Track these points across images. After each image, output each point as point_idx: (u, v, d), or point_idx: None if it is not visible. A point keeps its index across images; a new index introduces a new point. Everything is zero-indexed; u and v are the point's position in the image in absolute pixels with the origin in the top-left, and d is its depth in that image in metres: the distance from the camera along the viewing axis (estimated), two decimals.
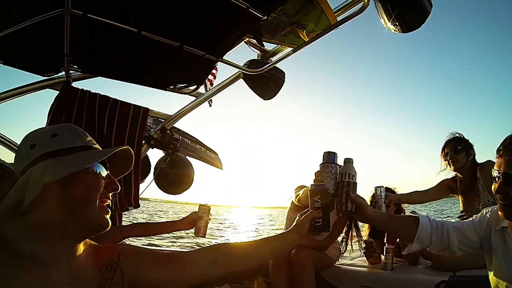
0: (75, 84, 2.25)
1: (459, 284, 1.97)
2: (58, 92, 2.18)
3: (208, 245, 1.15)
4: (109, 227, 0.90)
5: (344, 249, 2.76)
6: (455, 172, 2.79)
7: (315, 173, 1.34)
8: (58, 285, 0.80)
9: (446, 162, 2.77)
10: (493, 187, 1.35)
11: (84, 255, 0.89)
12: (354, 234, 2.78)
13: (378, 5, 1.76)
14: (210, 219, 2.04)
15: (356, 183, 1.35)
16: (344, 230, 2.75)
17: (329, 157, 1.35)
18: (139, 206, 2.33)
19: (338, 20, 2.00)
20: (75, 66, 2.16)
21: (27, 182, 0.79)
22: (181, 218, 2.07)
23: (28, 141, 0.86)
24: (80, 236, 0.88)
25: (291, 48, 2.32)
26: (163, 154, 2.66)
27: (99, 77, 2.34)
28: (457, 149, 2.72)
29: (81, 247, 0.88)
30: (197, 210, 2.07)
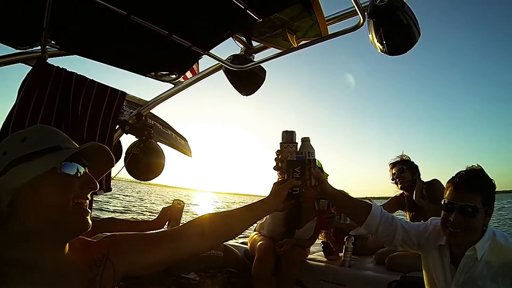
0: (50, 61, 2.17)
1: (409, 284, 2.24)
2: (31, 67, 2.10)
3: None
4: (88, 228, 0.91)
5: None
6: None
7: (276, 151, 1.46)
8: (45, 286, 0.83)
9: (394, 181, 3.14)
10: (443, 214, 1.59)
11: (72, 254, 0.92)
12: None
13: (371, 22, 1.87)
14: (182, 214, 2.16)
15: (316, 159, 1.49)
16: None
17: (288, 136, 1.44)
18: (110, 190, 2.36)
19: (329, 33, 2.09)
20: (52, 42, 2.10)
21: (1, 190, 0.83)
22: (155, 218, 2.17)
23: (1, 150, 0.88)
24: (61, 239, 0.90)
25: (276, 49, 2.38)
26: (136, 139, 2.69)
27: (75, 55, 2.26)
28: (403, 169, 3.09)
29: (67, 247, 0.91)
30: (170, 204, 2.16)
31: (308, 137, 1.49)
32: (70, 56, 2.29)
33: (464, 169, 1.63)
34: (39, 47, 2.11)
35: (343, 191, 1.78)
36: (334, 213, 2.52)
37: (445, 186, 1.68)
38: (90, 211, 0.93)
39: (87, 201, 0.92)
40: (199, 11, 1.87)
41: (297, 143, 1.45)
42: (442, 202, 1.63)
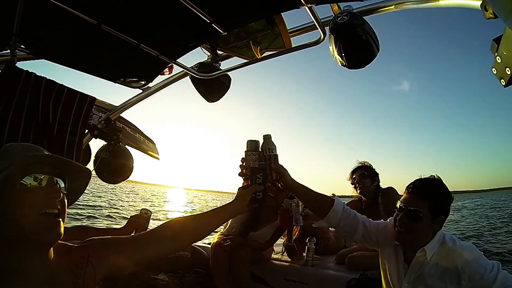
0: (19, 65, 2.23)
1: (367, 281, 2.42)
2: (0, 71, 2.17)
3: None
4: (58, 238, 0.95)
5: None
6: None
7: (241, 159, 1.59)
8: None
9: (353, 186, 3.24)
10: (395, 214, 1.76)
11: (55, 259, 0.99)
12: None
13: (332, 36, 2.00)
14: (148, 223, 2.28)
15: (277, 155, 1.62)
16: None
17: (251, 145, 1.59)
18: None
19: (293, 46, 2.23)
20: (22, 46, 2.16)
21: None
22: (122, 226, 2.27)
23: None
24: (38, 248, 0.94)
25: (242, 59, 2.49)
26: (105, 143, 2.78)
27: (44, 60, 2.33)
28: (364, 174, 3.19)
29: (50, 253, 0.98)
30: (138, 213, 2.28)
31: (269, 134, 1.64)
32: (40, 60, 2.35)
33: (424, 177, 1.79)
34: (8, 51, 2.17)
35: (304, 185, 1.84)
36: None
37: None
38: (59, 219, 0.95)
39: (56, 210, 0.94)
40: (167, 22, 1.98)
41: (260, 151, 1.60)
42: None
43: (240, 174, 1.60)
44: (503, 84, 1.23)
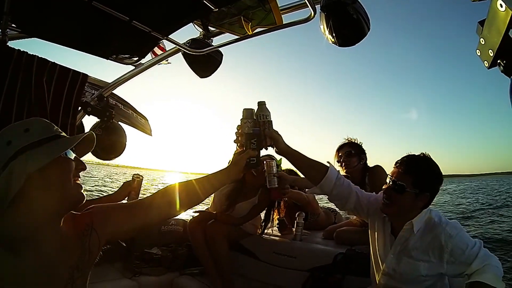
0: (10, 44, 2.28)
1: (353, 256, 2.54)
2: None
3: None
4: (84, 200, 1.11)
5: (263, 227, 3.18)
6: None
7: (236, 126, 1.67)
8: (49, 261, 1.01)
9: (339, 164, 3.11)
10: (384, 186, 1.85)
11: (65, 227, 1.09)
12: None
13: (322, 14, 2.04)
14: (141, 189, 2.39)
15: (271, 121, 1.69)
16: (264, 212, 3.21)
17: (247, 113, 1.66)
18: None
19: (284, 22, 2.28)
20: (13, 25, 2.21)
21: (11, 176, 0.94)
22: (115, 191, 2.38)
23: (3, 140, 1.00)
24: (64, 213, 1.08)
25: (234, 35, 2.55)
26: (98, 120, 2.88)
27: (36, 38, 2.40)
28: (350, 153, 3.05)
29: (62, 221, 1.08)
30: (129, 180, 2.39)
31: (264, 101, 1.71)
32: (31, 39, 2.41)
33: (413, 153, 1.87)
34: None
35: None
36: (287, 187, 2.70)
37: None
38: (82, 186, 1.12)
39: (79, 179, 1.12)
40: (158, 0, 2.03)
41: (254, 119, 1.66)
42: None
43: (235, 141, 1.68)
44: (486, 66, 1.29)
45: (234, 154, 1.59)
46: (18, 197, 0.95)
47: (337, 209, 3.13)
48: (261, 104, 1.71)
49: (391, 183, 1.79)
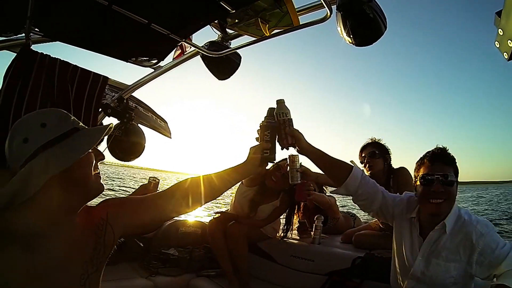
0: (33, 47, 2.33)
1: (372, 260, 2.47)
2: (15, 54, 2.26)
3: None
4: (103, 189, 1.10)
5: (285, 232, 3.13)
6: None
7: (259, 124, 1.63)
8: (63, 256, 0.98)
9: (363, 165, 2.96)
10: (422, 189, 1.70)
11: (80, 221, 1.07)
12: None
13: (339, 14, 2.00)
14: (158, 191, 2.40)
15: (291, 119, 1.64)
16: (284, 216, 3.19)
17: (269, 111, 1.63)
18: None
19: (300, 23, 2.26)
20: (36, 29, 2.25)
21: (29, 174, 0.91)
22: (131, 193, 2.39)
23: (19, 136, 0.96)
24: (81, 206, 1.07)
25: (251, 37, 2.54)
26: (117, 122, 2.89)
27: (58, 42, 2.42)
28: (374, 153, 2.88)
29: (77, 215, 1.06)
30: (146, 182, 2.40)
31: (283, 99, 1.67)
32: (53, 42, 2.45)
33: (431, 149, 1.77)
34: (23, 35, 2.27)
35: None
36: (311, 186, 2.73)
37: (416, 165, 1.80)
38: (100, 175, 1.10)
39: (98, 169, 1.10)
40: (177, 2, 2.03)
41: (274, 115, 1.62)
42: (418, 179, 1.73)
43: (256, 139, 1.63)
44: (506, 57, 1.24)
45: (250, 148, 1.54)
46: (36, 196, 0.93)
47: (357, 213, 3.05)
48: (280, 102, 1.66)
49: (440, 178, 1.65)
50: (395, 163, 2.95)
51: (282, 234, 3.12)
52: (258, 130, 1.63)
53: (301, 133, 1.68)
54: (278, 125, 1.63)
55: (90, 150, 1.05)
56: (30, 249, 0.93)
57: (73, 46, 2.45)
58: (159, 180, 2.44)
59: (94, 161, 1.07)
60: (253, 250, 3.00)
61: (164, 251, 2.97)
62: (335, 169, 1.83)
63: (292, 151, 1.75)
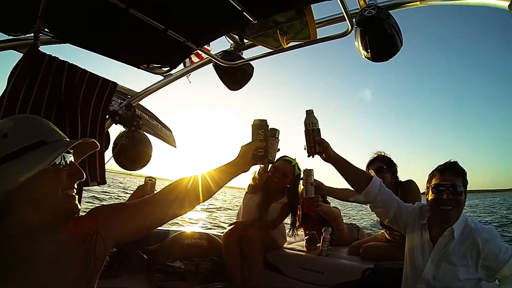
0: (41, 48, 2.15)
1: (382, 271, 2.40)
2: (22, 54, 2.08)
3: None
4: (77, 212, 0.96)
5: (291, 233, 3.19)
6: None
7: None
8: (50, 274, 0.88)
9: None
10: (434, 197, 1.77)
11: (66, 234, 0.95)
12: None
13: (358, 29, 1.99)
14: (155, 191, 2.24)
15: (319, 129, 1.72)
16: (288, 219, 3.19)
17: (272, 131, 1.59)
18: (105, 183, 2.35)
19: (318, 37, 2.20)
20: (46, 30, 2.08)
21: None
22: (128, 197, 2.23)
23: None
24: (55, 224, 0.92)
25: (265, 48, 2.44)
26: (124, 129, 2.72)
27: (67, 43, 2.24)
28: (382, 168, 2.80)
29: (62, 228, 0.94)
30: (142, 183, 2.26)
31: (312, 110, 1.72)
32: (62, 44, 2.27)
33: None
34: (31, 34, 2.08)
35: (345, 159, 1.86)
36: (319, 197, 2.70)
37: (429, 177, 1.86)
38: (76, 196, 0.96)
39: (74, 190, 0.95)
40: (198, 9, 1.93)
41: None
42: (430, 188, 1.81)
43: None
44: None
45: (242, 146, 1.47)
46: (3, 213, 0.84)
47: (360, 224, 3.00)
48: (310, 113, 1.73)
49: (450, 187, 1.73)
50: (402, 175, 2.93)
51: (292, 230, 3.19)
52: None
53: (328, 143, 1.76)
54: (307, 133, 1.73)
55: (61, 169, 0.92)
56: (12, 272, 0.82)
57: (83, 49, 2.27)
58: (155, 179, 2.28)
59: (68, 180, 0.93)
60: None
61: (170, 263, 2.78)
62: (357, 177, 1.91)
63: (313, 161, 1.82)
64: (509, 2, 1.30)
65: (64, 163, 0.93)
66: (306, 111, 1.73)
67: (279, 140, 1.60)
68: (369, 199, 1.89)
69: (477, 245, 1.69)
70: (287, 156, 3.06)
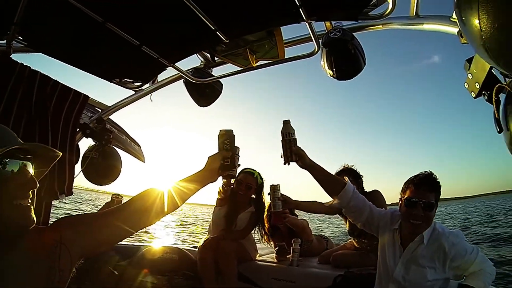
0: (13, 56, 2.11)
1: (353, 277, 2.46)
2: None
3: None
4: (32, 224, 0.89)
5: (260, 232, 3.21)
6: None
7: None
8: (11, 281, 0.83)
9: None
10: (406, 210, 1.85)
11: (29, 245, 0.90)
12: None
13: (324, 50, 2.13)
14: None
15: (296, 138, 1.75)
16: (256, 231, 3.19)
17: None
18: (72, 194, 2.29)
19: (286, 57, 2.32)
20: (20, 38, 2.05)
21: None
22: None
23: None
24: (11, 236, 0.87)
25: (235, 66, 2.53)
26: (94, 143, 2.67)
27: (39, 53, 2.24)
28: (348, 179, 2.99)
29: (24, 240, 0.89)
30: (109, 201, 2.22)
31: (289, 120, 1.75)
32: (35, 54, 2.26)
33: (418, 173, 1.91)
34: (4, 41, 2.05)
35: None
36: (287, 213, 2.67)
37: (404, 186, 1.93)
38: (32, 206, 0.90)
39: (29, 200, 0.89)
40: (173, 26, 2.00)
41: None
42: (403, 200, 1.88)
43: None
44: (473, 96, 1.44)
45: (208, 158, 1.47)
46: None
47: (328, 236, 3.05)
48: (286, 123, 1.76)
49: (422, 204, 1.80)
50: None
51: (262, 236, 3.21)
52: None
53: (304, 151, 1.79)
54: (284, 143, 1.74)
55: (14, 176, 0.87)
56: None
57: (56, 60, 2.28)
58: (122, 197, 2.25)
59: (20, 190, 0.87)
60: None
61: (142, 279, 2.67)
62: (332, 183, 1.97)
63: (290, 167, 1.84)
64: (458, 29, 1.47)
65: (10, 171, 0.86)
66: (283, 121, 1.75)
67: (239, 156, 1.60)
68: (342, 203, 1.96)
69: (444, 248, 1.80)
70: (249, 168, 3.14)
